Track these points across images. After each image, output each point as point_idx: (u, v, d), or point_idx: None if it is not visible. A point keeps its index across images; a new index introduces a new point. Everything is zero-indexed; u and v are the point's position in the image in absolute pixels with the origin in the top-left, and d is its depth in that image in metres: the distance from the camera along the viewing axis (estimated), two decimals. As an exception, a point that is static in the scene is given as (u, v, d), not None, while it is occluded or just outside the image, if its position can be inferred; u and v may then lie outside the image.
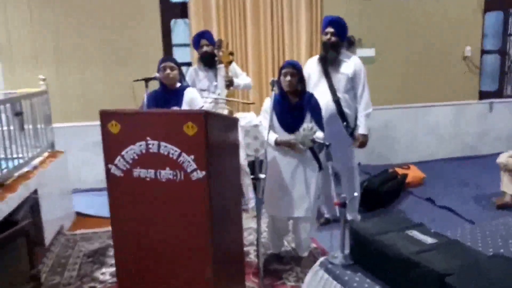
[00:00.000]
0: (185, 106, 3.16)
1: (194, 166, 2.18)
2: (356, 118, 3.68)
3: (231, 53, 3.93)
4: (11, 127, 3.14)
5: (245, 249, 3.23)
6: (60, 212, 3.86)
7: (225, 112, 3.89)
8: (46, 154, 3.90)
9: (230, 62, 3.88)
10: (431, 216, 4.06)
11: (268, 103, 3.00)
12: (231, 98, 3.97)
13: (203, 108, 3.20)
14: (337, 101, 3.57)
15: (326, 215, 3.96)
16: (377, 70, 5.44)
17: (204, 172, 2.17)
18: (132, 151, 2.29)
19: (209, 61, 3.90)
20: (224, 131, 2.39)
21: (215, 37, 4.78)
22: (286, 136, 2.95)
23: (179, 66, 3.21)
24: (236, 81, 3.94)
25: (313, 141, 2.69)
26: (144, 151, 2.27)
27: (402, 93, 5.70)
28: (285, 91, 2.96)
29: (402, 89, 5.70)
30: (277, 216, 3.14)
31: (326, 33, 3.54)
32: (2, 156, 3.10)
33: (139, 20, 4.90)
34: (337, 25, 3.53)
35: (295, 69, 2.91)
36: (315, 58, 3.71)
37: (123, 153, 2.30)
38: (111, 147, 2.34)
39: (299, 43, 5.13)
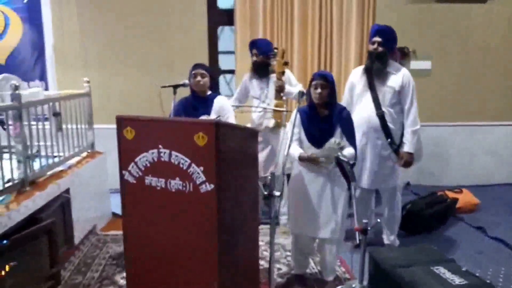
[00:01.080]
0: (213, 115, 3.09)
1: (203, 178, 2.10)
2: (402, 135, 3.42)
3: (286, 63, 3.79)
4: (48, 127, 3.23)
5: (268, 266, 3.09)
6: (94, 212, 3.93)
7: (271, 123, 3.75)
8: (84, 154, 4.00)
9: (283, 73, 3.74)
10: (479, 247, 3.68)
11: (296, 116, 2.85)
12: (280, 108, 3.78)
13: (229, 119, 3.11)
14: (381, 115, 3.35)
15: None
16: (429, 83, 5.09)
17: (212, 185, 2.08)
18: (144, 158, 2.25)
19: (260, 71, 3.80)
20: (239, 142, 2.28)
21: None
22: (313, 151, 2.79)
23: (210, 74, 3.16)
24: (289, 88, 3.77)
25: (337, 158, 2.50)
26: (156, 159, 2.22)
27: (456, 109, 5.28)
28: (315, 104, 2.80)
29: (456, 104, 5.28)
30: (301, 235, 2.97)
31: (373, 43, 3.34)
32: (38, 154, 3.20)
33: (186, 26, 4.94)
34: (385, 34, 3.32)
35: (326, 81, 2.75)
36: (361, 68, 3.51)
37: (136, 160, 2.27)
38: (126, 153, 2.32)
39: (348, 52, 4.92)
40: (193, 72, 3.11)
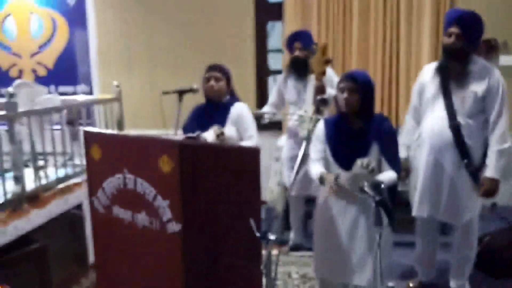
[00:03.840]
0: (230, 126, 2.59)
1: (169, 214, 1.61)
2: (484, 154, 2.62)
3: (328, 61, 3.07)
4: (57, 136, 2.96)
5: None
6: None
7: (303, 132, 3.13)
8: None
9: (323, 73, 3.05)
10: None
11: (321, 128, 2.25)
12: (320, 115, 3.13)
13: (248, 130, 2.57)
14: (455, 127, 2.56)
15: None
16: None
17: (180, 225, 1.58)
18: (111, 184, 1.82)
19: (299, 69, 3.20)
20: (224, 167, 1.74)
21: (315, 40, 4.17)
22: (340, 174, 2.15)
23: (228, 77, 2.66)
24: (330, 92, 3.07)
25: (361, 189, 1.85)
26: (122, 185, 1.78)
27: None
28: (344, 112, 2.17)
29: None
30: (328, 280, 2.35)
31: (449, 34, 2.54)
32: (45, 165, 2.95)
33: (229, 22, 4.49)
34: (466, 23, 2.50)
35: (357, 83, 2.11)
36: (434, 65, 2.73)
37: (104, 185, 1.85)
38: (94, 175, 1.91)
39: (419, 45, 4.09)
40: (206, 75, 2.64)
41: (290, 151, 3.28)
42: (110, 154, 1.80)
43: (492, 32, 3.83)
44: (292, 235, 3.40)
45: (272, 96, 3.40)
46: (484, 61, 2.68)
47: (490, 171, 2.55)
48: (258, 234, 1.68)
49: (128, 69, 4.74)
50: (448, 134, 2.58)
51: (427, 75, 2.72)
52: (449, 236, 2.94)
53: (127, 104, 4.50)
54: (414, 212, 2.71)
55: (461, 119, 2.56)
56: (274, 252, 3.28)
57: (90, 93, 4.76)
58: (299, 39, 3.21)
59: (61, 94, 4.72)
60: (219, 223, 1.74)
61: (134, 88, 4.66)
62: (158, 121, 4.21)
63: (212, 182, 1.70)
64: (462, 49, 2.52)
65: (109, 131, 2.05)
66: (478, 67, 2.58)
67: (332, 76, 3.26)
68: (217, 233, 1.73)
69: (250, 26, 4.49)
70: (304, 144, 1.98)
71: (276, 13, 4.47)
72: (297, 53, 3.19)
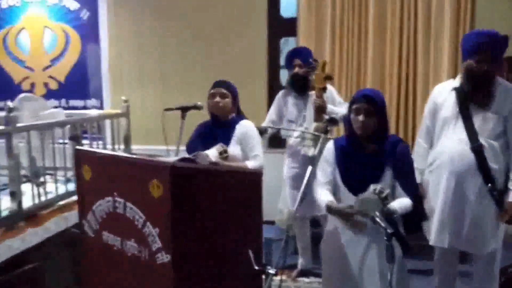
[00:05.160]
0: (234, 145, 2.46)
1: (158, 244, 1.48)
2: (507, 178, 2.41)
3: (328, 77, 3.01)
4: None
5: None
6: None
7: (311, 151, 2.99)
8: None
9: (324, 89, 2.99)
10: None
11: (330, 150, 2.09)
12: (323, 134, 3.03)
13: (253, 149, 2.44)
14: (478, 150, 2.37)
15: None
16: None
17: (169, 256, 1.45)
18: (101, 207, 1.70)
19: (298, 86, 3.12)
20: (220, 193, 1.60)
21: (328, 60, 4.02)
22: (351, 201, 1.98)
23: (233, 93, 2.55)
24: (331, 108, 3.02)
25: (373, 218, 1.69)
26: (111, 209, 1.66)
27: None
28: (357, 135, 2.02)
29: None
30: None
31: (478, 61, 2.32)
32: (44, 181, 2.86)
33: (242, 37, 4.40)
34: (489, 48, 2.31)
35: (373, 105, 1.96)
36: (449, 84, 2.56)
37: (94, 207, 1.73)
38: (85, 197, 1.79)
39: (437, 67, 3.92)
40: (211, 91, 2.52)
41: (291, 170, 3.15)
42: (101, 175, 1.69)
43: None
44: (300, 260, 3.23)
45: (271, 114, 3.27)
46: (507, 82, 2.51)
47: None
48: (256, 267, 1.53)
49: (140, 85, 4.68)
50: (470, 157, 2.38)
51: (442, 95, 2.53)
52: (469, 265, 2.75)
53: (138, 120, 4.45)
54: (433, 242, 2.52)
55: (483, 141, 2.38)
56: (282, 277, 3.14)
57: (101, 107, 4.71)
58: (299, 56, 3.13)
59: (72, 108, 4.70)
60: (215, 254, 1.59)
61: (146, 103, 4.58)
62: (168, 138, 4.13)
63: (208, 208, 1.56)
64: (486, 73, 2.34)
65: (101, 150, 1.94)
66: (502, 88, 2.40)
67: (333, 92, 3.17)
68: (213, 265, 1.59)
69: (263, 42, 4.39)
70: (310, 165, 1.85)
71: (290, 28, 4.38)
72: (296, 70, 3.10)
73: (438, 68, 3.92)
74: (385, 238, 1.60)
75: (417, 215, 2.09)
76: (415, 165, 2.48)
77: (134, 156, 1.62)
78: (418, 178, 2.52)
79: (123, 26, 4.66)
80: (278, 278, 3.08)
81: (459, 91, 2.45)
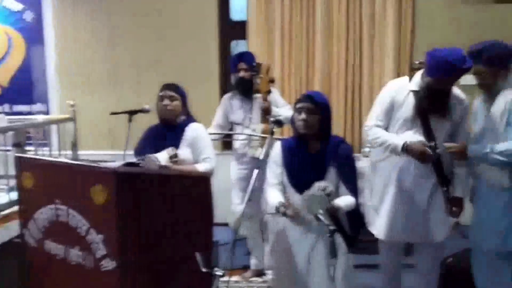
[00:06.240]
0: (185, 148, 2.45)
1: (103, 251, 1.46)
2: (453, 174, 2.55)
3: (271, 81, 3.11)
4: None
5: None
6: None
7: (258, 153, 3.03)
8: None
9: (268, 92, 3.08)
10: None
11: (277, 151, 2.14)
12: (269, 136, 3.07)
13: (203, 152, 2.45)
14: (434, 152, 2.45)
15: None
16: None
17: (115, 263, 1.43)
18: (43, 215, 1.66)
19: (244, 89, 3.16)
20: (168, 197, 1.61)
21: (278, 61, 4.14)
22: (298, 199, 2.04)
23: (183, 96, 2.54)
24: (276, 110, 3.09)
25: (316, 216, 1.74)
26: (54, 217, 1.62)
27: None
28: (302, 135, 2.08)
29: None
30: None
31: (443, 83, 2.37)
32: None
33: (193, 40, 4.38)
34: (459, 72, 2.35)
35: (316, 104, 2.02)
36: (404, 83, 2.57)
37: (35, 216, 1.69)
38: (25, 205, 1.74)
39: (382, 65, 4.06)
40: (160, 94, 2.51)
41: (238, 172, 3.18)
42: (43, 182, 1.64)
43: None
44: (252, 260, 3.26)
45: (217, 118, 3.29)
46: (458, 90, 2.55)
47: (458, 191, 2.52)
48: (204, 270, 1.54)
49: (89, 88, 4.55)
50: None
51: (401, 94, 2.54)
52: (412, 257, 2.88)
53: (86, 124, 4.33)
54: (383, 237, 2.60)
55: (438, 144, 2.45)
56: (235, 278, 3.16)
57: (47, 112, 4.55)
58: (243, 60, 3.18)
59: (16, 113, 4.51)
60: (163, 258, 1.59)
61: (95, 107, 4.46)
62: (117, 142, 4.05)
63: (156, 213, 1.56)
64: (447, 91, 2.44)
65: (43, 157, 1.88)
66: (453, 96, 2.49)
67: (276, 96, 3.23)
68: (160, 269, 1.59)
69: (215, 45, 4.40)
70: (257, 166, 1.89)
71: (240, 31, 4.41)
72: (242, 73, 3.15)
73: (383, 67, 4.07)
74: (328, 234, 1.65)
75: (359, 213, 2.17)
76: (390, 140, 2.47)
77: (77, 162, 1.59)
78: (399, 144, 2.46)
79: (70, 28, 4.52)
80: (233, 279, 3.15)
81: (417, 96, 2.48)
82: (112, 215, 1.41)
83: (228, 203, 3.28)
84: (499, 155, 2.27)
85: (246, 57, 3.21)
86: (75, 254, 1.56)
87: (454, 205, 2.53)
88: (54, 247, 1.63)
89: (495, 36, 2.51)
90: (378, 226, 2.62)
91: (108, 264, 1.45)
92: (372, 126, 2.55)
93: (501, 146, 2.29)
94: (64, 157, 3.53)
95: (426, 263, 2.69)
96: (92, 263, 1.50)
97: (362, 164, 3.28)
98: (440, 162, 2.48)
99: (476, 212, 2.56)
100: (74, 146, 3.64)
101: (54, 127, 3.59)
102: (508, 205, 2.38)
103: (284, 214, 1.99)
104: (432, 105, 2.44)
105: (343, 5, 4.04)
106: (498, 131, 2.38)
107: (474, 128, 2.54)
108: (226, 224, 3.34)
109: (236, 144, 3.20)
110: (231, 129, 3.33)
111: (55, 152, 3.45)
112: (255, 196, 2.59)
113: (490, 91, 2.43)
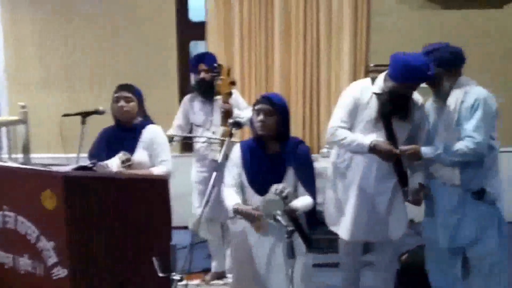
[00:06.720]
0: (141, 150, 2.40)
1: (55, 258, 1.41)
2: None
3: (232, 83, 3.08)
4: None
5: None
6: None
7: (217, 156, 3.00)
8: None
9: (230, 94, 3.04)
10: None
11: (236, 153, 2.14)
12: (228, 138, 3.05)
13: (160, 154, 2.41)
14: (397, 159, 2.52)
15: None
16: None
17: (66, 271, 1.38)
18: (-11, 223, 1.58)
19: (205, 91, 3.13)
20: (123, 202, 1.57)
21: (237, 62, 4.13)
22: (257, 201, 2.04)
23: (139, 97, 2.49)
24: (237, 112, 3.06)
25: (274, 217, 1.75)
26: (1, 225, 1.54)
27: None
28: (260, 136, 2.08)
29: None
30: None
31: (405, 88, 2.42)
32: None
33: (152, 41, 4.31)
34: (420, 79, 2.42)
35: (273, 106, 2.04)
36: (367, 85, 2.60)
37: (-19, 224, 1.60)
38: (-30, 213, 1.65)
39: (339, 67, 4.15)
40: (115, 95, 2.45)
41: (198, 174, 3.15)
42: (-12, 188, 1.56)
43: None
44: (213, 263, 3.24)
45: (178, 119, 3.24)
46: (417, 94, 2.63)
47: (418, 179, 2.58)
48: (161, 274, 1.52)
49: (42, 89, 4.38)
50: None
51: (364, 95, 2.57)
52: (370, 254, 2.95)
53: (39, 126, 4.17)
54: (347, 237, 2.62)
55: (400, 145, 2.50)
56: (196, 281, 3.13)
57: (-5, 115, 4.34)
58: (204, 61, 3.14)
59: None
60: (117, 264, 1.55)
61: (48, 109, 4.28)
62: (71, 145, 3.91)
63: (109, 218, 1.52)
64: (409, 96, 2.50)
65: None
66: (413, 101, 2.56)
67: (238, 97, 3.22)
68: (115, 275, 1.54)
69: (173, 45, 4.34)
70: (216, 169, 1.88)
71: (199, 32, 4.38)
72: (202, 75, 3.12)
73: (339, 68, 4.14)
74: (286, 235, 1.66)
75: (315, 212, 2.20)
76: (358, 140, 2.49)
77: (25, 166, 1.52)
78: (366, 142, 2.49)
79: (22, 26, 4.35)
80: (194, 282, 3.12)
81: (380, 99, 2.52)
82: (62, 221, 1.36)
83: (189, 206, 3.25)
84: (451, 156, 2.37)
85: (207, 58, 3.16)
86: (24, 263, 1.49)
87: (416, 192, 2.58)
88: (1, 256, 1.55)
89: (443, 40, 2.62)
90: (342, 226, 2.65)
91: (60, 272, 1.39)
92: (337, 127, 2.55)
93: (453, 147, 2.38)
94: (15, 161, 3.38)
95: (384, 261, 2.76)
96: (43, 271, 1.44)
97: (320, 164, 3.35)
98: (401, 163, 2.55)
99: (429, 209, 2.66)
100: (26, 149, 3.50)
101: (3, 130, 3.44)
102: (459, 202, 2.48)
103: (241, 214, 1.99)
104: (395, 108, 2.50)
105: (301, 6, 4.08)
106: (449, 130, 2.48)
107: (427, 128, 2.64)
108: (186, 227, 3.31)
109: (197, 145, 3.17)
110: (191, 130, 3.29)
111: (4, 156, 3.30)
112: (215, 199, 2.58)
113: (439, 92, 2.52)
